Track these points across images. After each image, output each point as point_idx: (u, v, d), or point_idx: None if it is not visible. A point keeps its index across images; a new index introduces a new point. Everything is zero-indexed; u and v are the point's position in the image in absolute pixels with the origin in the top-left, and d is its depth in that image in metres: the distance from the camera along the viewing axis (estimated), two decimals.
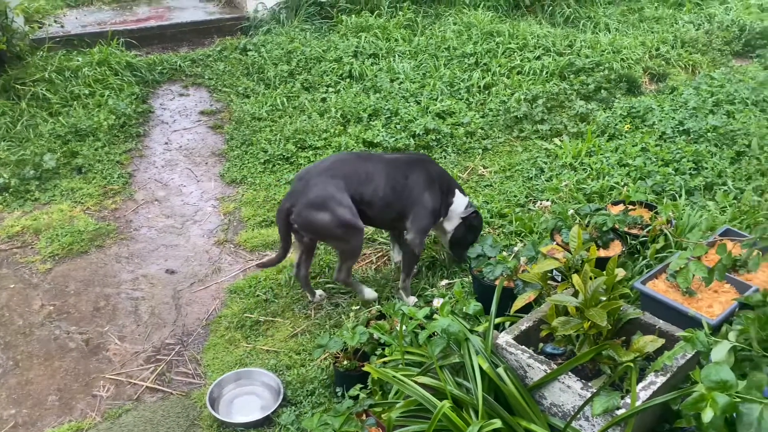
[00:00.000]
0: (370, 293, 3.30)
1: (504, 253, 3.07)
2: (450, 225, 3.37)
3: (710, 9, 7.45)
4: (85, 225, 4.02)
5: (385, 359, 2.56)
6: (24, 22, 5.69)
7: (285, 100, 5.49)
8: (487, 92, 5.62)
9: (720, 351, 1.94)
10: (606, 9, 7.42)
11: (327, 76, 5.85)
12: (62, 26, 6.31)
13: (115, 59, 5.83)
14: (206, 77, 6.07)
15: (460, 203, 3.34)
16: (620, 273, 2.30)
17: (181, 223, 4.14)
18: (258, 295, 3.44)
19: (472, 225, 3.39)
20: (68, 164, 4.63)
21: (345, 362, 2.67)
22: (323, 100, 5.51)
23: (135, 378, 2.97)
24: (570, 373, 2.19)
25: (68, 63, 5.69)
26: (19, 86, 5.24)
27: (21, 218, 4.09)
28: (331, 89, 5.67)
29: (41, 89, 5.24)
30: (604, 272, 2.27)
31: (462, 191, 3.39)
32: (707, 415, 1.63)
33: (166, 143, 5.12)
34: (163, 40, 6.85)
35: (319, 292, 3.37)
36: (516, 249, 3.10)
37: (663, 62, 6.15)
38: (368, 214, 3.14)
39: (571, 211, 3.48)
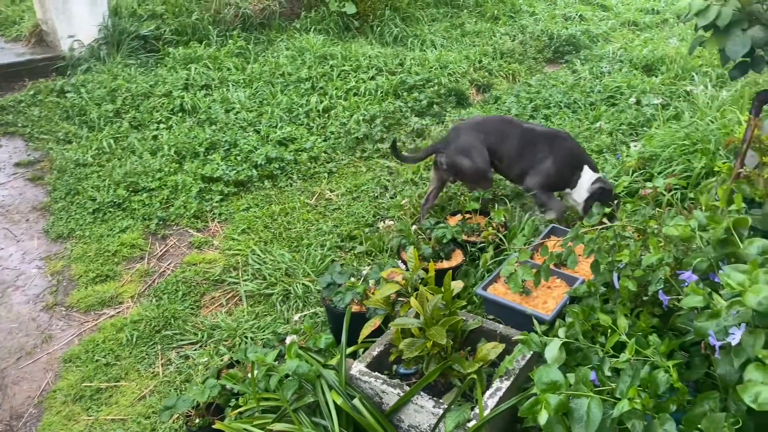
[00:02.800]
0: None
1: (353, 279, 3.06)
2: (579, 197, 3.78)
3: (522, 21, 8.11)
4: None
5: (241, 409, 2.44)
6: None
7: (112, 141, 5.13)
8: (326, 116, 5.65)
9: (552, 349, 2.05)
10: (431, 26, 7.80)
11: (157, 112, 5.56)
12: None
13: None
14: (20, 125, 5.52)
15: (586, 178, 3.73)
16: (457, 286, 2.38)
17: (0, 291, 3.70)
18: (97, 360, 3.14)
19: (597, 199, 3.62)
20: None
21: (197, 420, 2.51)
22: (154, 137, 5.22)
23: None
24: (422, 393, 2.22)
25: None
26: None
27: None
28: (162, 125, 5.39)
29: None
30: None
31: (593, 168, 3.77)
32: (543, 418, 1.70)
33: None
34: None
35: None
36: (364, 272, 3.11)
37: (486, 73, 6.57)
38: (498, 167, 3.90)
39: (414, 227, 3.56)
